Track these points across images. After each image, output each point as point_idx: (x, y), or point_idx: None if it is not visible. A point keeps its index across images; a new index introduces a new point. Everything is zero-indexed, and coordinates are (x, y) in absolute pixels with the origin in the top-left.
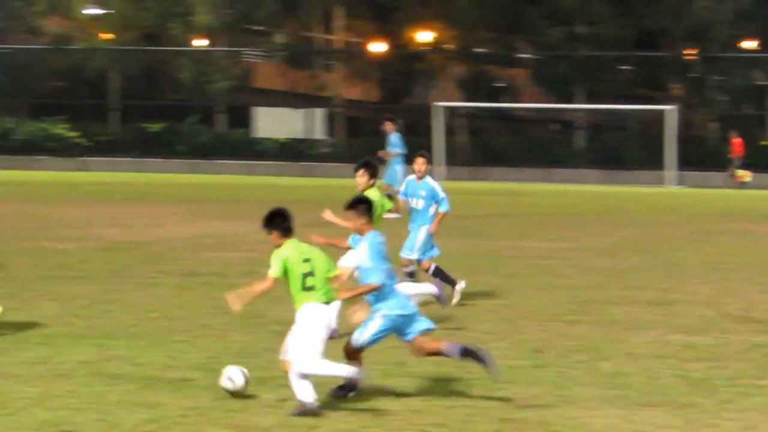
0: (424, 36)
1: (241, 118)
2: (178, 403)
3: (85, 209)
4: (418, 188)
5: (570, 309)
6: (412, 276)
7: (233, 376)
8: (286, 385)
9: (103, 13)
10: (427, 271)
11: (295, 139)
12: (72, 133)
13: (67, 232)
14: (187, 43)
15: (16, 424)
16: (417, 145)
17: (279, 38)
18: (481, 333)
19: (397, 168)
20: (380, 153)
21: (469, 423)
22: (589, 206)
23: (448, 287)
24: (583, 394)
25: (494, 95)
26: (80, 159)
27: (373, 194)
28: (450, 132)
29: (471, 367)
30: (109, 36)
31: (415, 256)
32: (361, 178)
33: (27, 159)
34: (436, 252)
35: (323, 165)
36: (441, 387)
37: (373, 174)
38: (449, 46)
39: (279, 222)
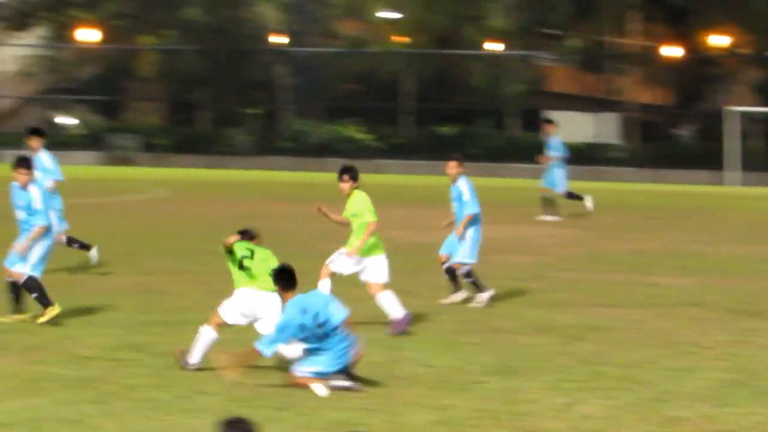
0: (718, 40)
1: (533, 122)
2: (468, 405)
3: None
4: (451, 192)
5: None
6: (469, 276)
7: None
8: (577, 389)
9: (398, 17)
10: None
11: (587, 144)
12: (365, 136)
13: None
14: (480, 47)
15: (307, 424)
16: (709, 150)
17: (572, 42)
18: None
19: (558, 171)
20: (541, 158)
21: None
22: None
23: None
24: None
25: None
26: (374, 161)
27: (360, 198)
28: (744, 137)
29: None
30: (403, 39)
31: (470, 260)
32: (345, 183)
33: (320, 161)
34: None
35: (615, 169)
36: (732, 393)
37: (356, 178)
38: (745, 50)
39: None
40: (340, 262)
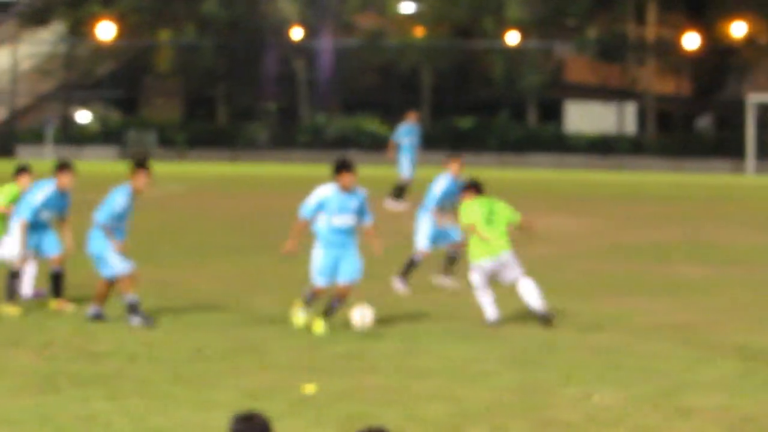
0: (737, 29)
1: (551, 113)
2: (483, 396)
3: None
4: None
5: None
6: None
7: (365, 314)
8: (594, 380)
9: (417, 9)
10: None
11: (606, 134)
12: (384, 129)
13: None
14: (499, 38)
15: (321, 418)
16: (727, 140)
17: (591, 32)
18: None
19: None
20: None
21: None
22: None
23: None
24: None
25: None
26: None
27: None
28: (763, 126)
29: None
30: (421, 31)
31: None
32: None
33: (338, 154)
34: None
35: (634, 160)
36: (748, 383)
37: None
38: (763, 39)
39: None
40: None
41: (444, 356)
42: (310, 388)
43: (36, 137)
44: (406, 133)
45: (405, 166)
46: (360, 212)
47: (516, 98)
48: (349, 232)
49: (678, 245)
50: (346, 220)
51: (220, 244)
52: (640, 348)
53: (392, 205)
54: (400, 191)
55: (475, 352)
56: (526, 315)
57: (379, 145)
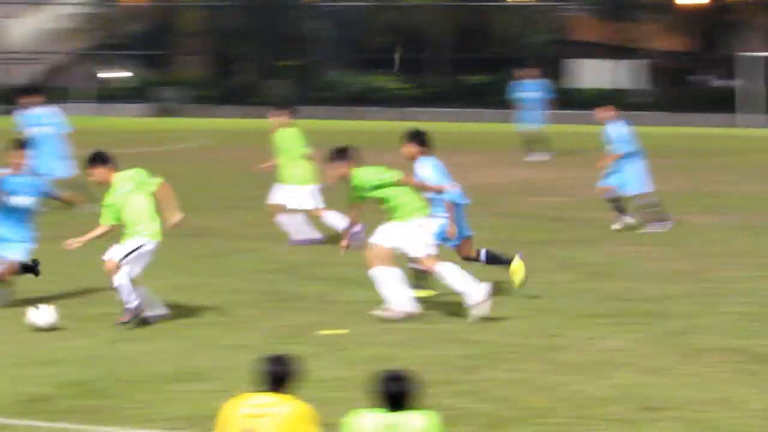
0: None
1: (556, 70)
2: (497, 340)
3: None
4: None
5: None
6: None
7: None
8: (603, 324)
9: None
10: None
11: (610, 89)
12: (397, 85)
13: None
14: None
15: (345, 359)
16: (727, 94)
17: None
18: None
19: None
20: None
21: None
22: None
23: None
24: None
25: None
26: (404, 110)
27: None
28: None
29: None
30: None
31: None
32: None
33: (354, 110)
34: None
35: (637, 114)
36: (754, 326)
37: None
38: None
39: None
40: None
41: (460, 301)
42: (335, 332)
43: (70, 95)
44: (530, 87)
45: (530, 120)
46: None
47: (523, 56)
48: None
49: (682, 195)
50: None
51: (246, 195)
52: (646, 293)
53: (535, 158)
54: (534, 144)
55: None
56: (543, 262)
57: (394, 100)
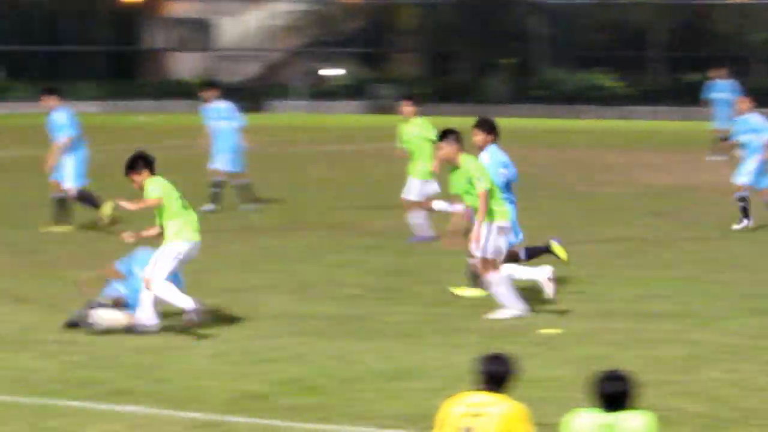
0: None
1: None
2: (717, 340)
3: (627, 156)
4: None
5: None
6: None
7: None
8: None
9: None
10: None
11: None
12: (616, 84)
13: (609, 177)
14: None
15: (561, 358)
16: None
17: None
18: None
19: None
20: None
21: None
22: None
23: None
24: None
25: None
26: (623, 108)
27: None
28: None
29: None
30: None
31: None
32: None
33: (572, 108)
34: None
35: None
36: None
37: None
38: None
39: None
40: None
41: (678, 301)
42: (550, 331)
43: (287, 92)
44: (721, 88)
45: (720, 119)
46: None
47: (743, 54)
48: None
49: None
50: None
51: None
52: None
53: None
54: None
55: (706, 298)
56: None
57: (611, 98)
